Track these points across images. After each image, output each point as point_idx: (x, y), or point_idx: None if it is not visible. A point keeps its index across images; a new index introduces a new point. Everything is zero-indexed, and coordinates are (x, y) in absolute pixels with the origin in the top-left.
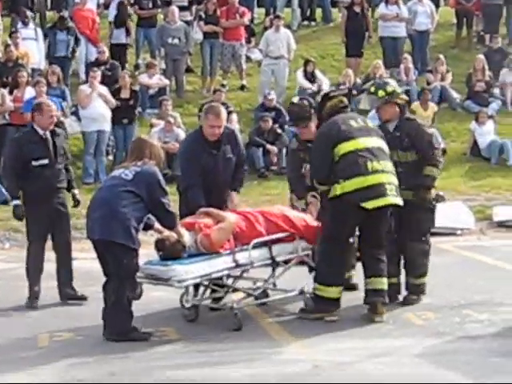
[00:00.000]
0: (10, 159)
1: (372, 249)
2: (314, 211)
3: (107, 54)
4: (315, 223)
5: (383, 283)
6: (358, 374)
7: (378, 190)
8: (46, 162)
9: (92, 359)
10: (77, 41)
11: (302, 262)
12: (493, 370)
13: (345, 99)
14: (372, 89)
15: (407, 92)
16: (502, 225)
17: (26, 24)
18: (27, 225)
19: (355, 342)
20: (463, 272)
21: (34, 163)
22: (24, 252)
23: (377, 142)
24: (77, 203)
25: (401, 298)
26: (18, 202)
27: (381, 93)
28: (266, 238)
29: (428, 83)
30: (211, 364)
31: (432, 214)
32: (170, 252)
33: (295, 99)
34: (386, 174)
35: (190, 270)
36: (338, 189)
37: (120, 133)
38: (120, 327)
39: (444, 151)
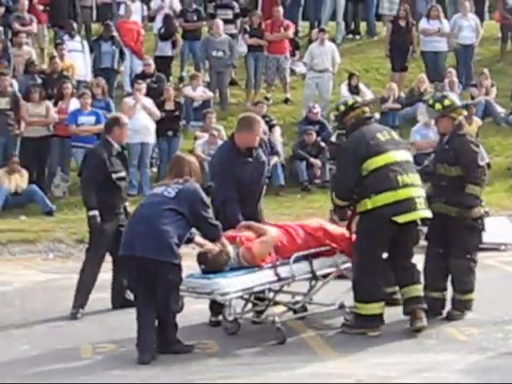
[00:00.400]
0: (92, 171)
1: (403, 259)
2: (354, 225)
3: (153, 66)
4: (354, 237)
5: (419, 290)
6: None
7: (408, 205)
8: (123, 174)
9: (134, 371)
10: (121, 54)
11: (340, 276)
12: None
13: (367, 109)
14: (430, 101)
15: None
16: None
17: (72, 36)
18: (94, 236)
19: (397, 356)
20: (507, 287)
21: (114, 176)
22: (68, 263)
23: (404, 155)
24: (127, 215)
25: (444, 313)
26: (95, 212)
27: (437, 106)
28: (307, 251)
29: (472, 97)
30: (253, 377)
31: (477, 232)
32: (212, 265)
33: (333, 138)
34: (415, 187)
35: (233, 284)
36: (369, 203)
37: (164, 145)
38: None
39: (488, 166)
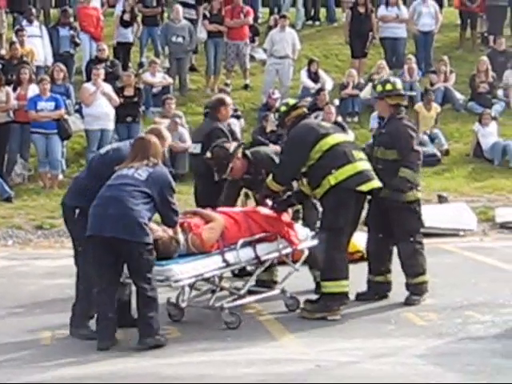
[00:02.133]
0: None
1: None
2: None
3: (107, 51)
4: (289, 221)
5: None
6: (359, 373)
7: (367, 175)
8: None
9: (95, 357)
10: (78, 38)
11: (281, 262)
12: (495, 370)
13: (306, 110)
14: (375, 82)
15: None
16: (504, 226)
17: (30, 22)
18: None
19: (357, 342)
20: (466, 273)
21: None
22: (27, 249)
23: (349, 137)
24: None
25: (396, 297)
26: None
27: (378, 88)
28: (251, 237)
29: (431, 84)
30: (214, 363)
31: (415, 215)
32: (162, 252)
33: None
34: (366, 161)
35: (186, 270)
36: (332, 179)
37: (124, 131)
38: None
39: (447, 152)
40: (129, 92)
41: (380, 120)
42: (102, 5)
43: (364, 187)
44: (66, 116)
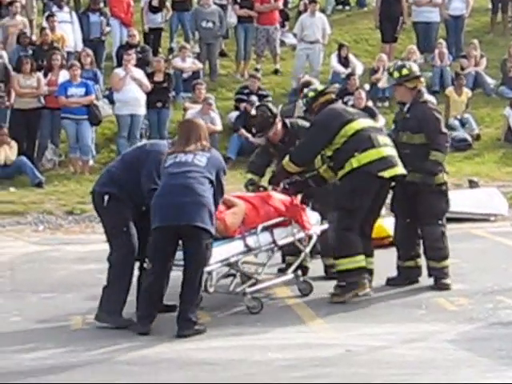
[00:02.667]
0: None
1: None
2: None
3: (137, 37)
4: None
5: None
6: (389, 358)
7: (391, 161)
8: None
9: (125, 342)
10: (108, 24)
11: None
12: None
13: (334, 96)
14: (391, 69)
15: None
16: None
17: (60, 7)
18: None
19: (387, 326)
20: (496, 258)
21: None
22: (58, 234)
23: (374, 123)
24: None
25: (422, 281)
26: None
27: (396, 74)
28: (270, 222)
29: (462, 68)
30: (244, 348)
31: (444, 197)
32: None
33: (253, 111)
34: (391, 147)
35: (213, 255)
36: (355, 162)
37: (154, 116)
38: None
39: (478, 137)
40: (159, 77)
41: (401, 105)
42: None
43: (386, 173)
44: (95, 102)
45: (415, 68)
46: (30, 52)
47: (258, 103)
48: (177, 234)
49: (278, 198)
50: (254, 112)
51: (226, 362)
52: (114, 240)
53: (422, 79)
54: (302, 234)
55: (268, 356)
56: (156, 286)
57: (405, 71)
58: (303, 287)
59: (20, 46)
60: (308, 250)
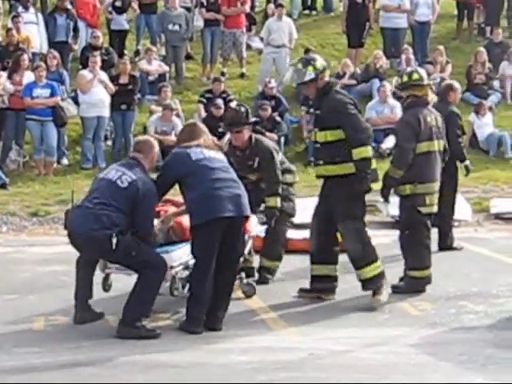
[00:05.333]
0: None
1: None
2: None
3: (101, 39)
4: None
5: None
6: (351, 362)
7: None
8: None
9: (88, 344)
10: (75, 27)
11: None
12: (487, 360)
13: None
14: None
15: None
16: (499, 217)
17: (26, 8)
18: None
19: (351, 331)
20: (460, 263)
21: None
22: (22, 236)
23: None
24: None
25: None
26: None
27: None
28: None
29: (428, 74)
30: (208, 350)
31: None
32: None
33: (232, 104)
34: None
35: (175, 258)
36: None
37: (119, 119)
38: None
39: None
40: (124, 80)
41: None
42: None
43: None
44: (61, 103)
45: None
46: None
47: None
48: (225, 226)
49: None
50: (232, 105)
51: (189, 364)
52: (143, 269)
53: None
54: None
55: (231, 359)
56: (209, 284)
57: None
58: (246, 289)
59: None
60: (246, 251)
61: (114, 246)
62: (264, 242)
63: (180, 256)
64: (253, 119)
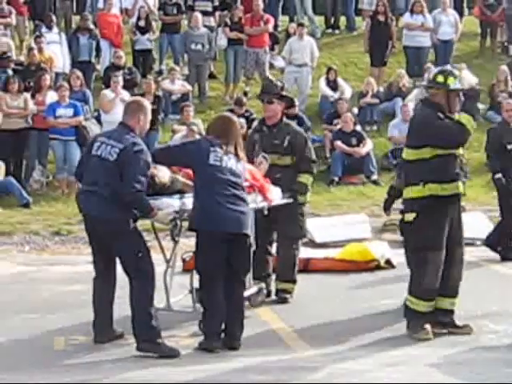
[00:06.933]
0: None
1: None
2: (263, 171)
3: (124, 58)
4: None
5: None
6: (371, 382)
7: None
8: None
9: (108, 363)
10: (98, 47)
11: None
12: (506, 380)
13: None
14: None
15: None
16: None
17: (50, 28)
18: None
19: (370, 350)
20: (481, 282)
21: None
22: (44, 255)
23: None
24: None
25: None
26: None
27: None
28: None
29: None
30: (225, 370)
31: None
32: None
33: (271, 76)
34: None
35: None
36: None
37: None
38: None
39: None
40: (148, 99)
41: None
42: (121, 12)
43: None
44: (84, 123)
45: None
46: (11, 73)
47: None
48: (230, 241)
49: (248, 167)
50: (269, 76)
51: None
52: (141, 263)
53: None
54: (263, 204)
55: (249, 378)
56: (219, 297)
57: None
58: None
59: (0, 68)
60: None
61: (131, 227)
62: (277, 265)
63: (183, 203)
64: (287, 94)
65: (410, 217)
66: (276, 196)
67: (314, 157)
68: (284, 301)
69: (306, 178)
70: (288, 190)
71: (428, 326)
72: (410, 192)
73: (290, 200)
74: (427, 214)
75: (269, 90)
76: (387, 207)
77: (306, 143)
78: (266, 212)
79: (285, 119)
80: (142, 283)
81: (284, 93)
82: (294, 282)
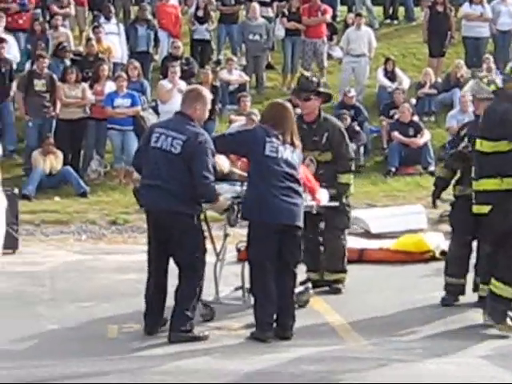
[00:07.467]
0: None
1: None
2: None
3: (182, 48)
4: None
5: None
6: (421, 373)
7: None
8: None
9: (161, 351)
10: (156, 38)
11: None
12: None
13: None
14: (485, 79)
15: None
16: None
17: (108, 19)
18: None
19: (422, 341)
20: None
21: None
22: (100, 244)
23: None
24: None
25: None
26: None
27: (493, 86)
28: None
29: None
30: (278, 360)
31: None
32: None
33: (306, 73)
34: None
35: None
36: None
37: None
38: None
39: None
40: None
41: (475, 116)
42: (180, 3)
43: None
44: (141, 113)
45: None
46: (69, 64)
47: None
48: (283, 232)
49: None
50: (305, 73)
51: (258, 373)
52: (197, 262)
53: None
54: (312, 203)
55: (300, 368)
56: (270, 286)
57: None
58: (204, 313)
59: (57, 58)
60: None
61: (195, 221)
62: (325, 257)
63: (242, 190)
64: (325, 90)
65: (483, 209)
66: (324, 197)
67: (351, 154)
68: (337, 291)
69: (346, 178)
70: (332, 186)
71: (509, 319)
72: (485, 184)
73: (337, 204)
74: (503, 206)
75: (305, 88)
76: (435, 199)
77: (344, 140)
78: (314, 211)
79: (323, 114)
80: (191, 277)
81: (321, 89)
82: (345, 271)
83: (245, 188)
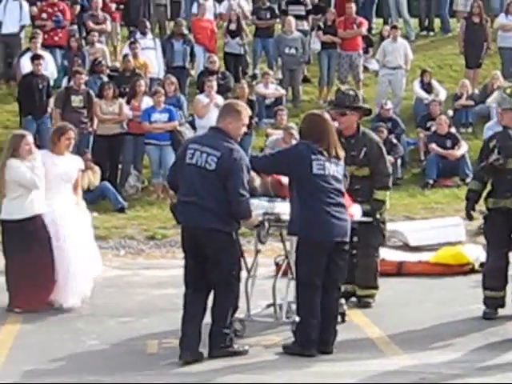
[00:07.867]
0: None
1: None
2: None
3: (218, 63)
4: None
5: None
6: None
7: None
8: None
9: (201, 367)
10: (192, 53)
11: None
12: None
13: None
14: (508, 90)
15: None
16: None
17: (144, 34)
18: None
19: (464, 354)
20: None
21: None
22: (139, 259)
23: None
24: None
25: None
26: None
27: None
28: None
29: None
30: (317, 374)
31: None
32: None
33: (343, 87)
34: None
35: (267, 206)
36: None
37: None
38: None
39: None
40: None
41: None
42: (215, 17)
43: None
44: (178, 127)
45: None
46: (106, 79)
47: None
48: (333, 249)
49: None
50: (343, 88)
51: None
52: (233, 279)
53: None
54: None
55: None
56: (317, 306)
57: None
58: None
59: (95, 74)
60: None
61: (232, 238)
62: (357, 272)
63: (272, 206)
64: (364, 105)
65: None
66: (357, 212)
67: (389, 170)
68: (367, 305)
69: (382, 195)
70: (367, 201)
71: None
72: None
73: (370, 219)
74: None
75: (340, 103)
76: (469, 211)
77: (382, 155)
78: None
79: (362, 128)
80: (227, 293)
81: (358, 103)
82: (376, 288)
83: (274, 204)
